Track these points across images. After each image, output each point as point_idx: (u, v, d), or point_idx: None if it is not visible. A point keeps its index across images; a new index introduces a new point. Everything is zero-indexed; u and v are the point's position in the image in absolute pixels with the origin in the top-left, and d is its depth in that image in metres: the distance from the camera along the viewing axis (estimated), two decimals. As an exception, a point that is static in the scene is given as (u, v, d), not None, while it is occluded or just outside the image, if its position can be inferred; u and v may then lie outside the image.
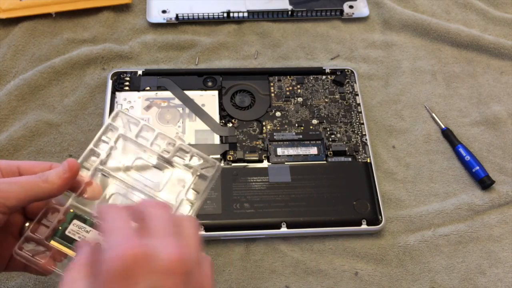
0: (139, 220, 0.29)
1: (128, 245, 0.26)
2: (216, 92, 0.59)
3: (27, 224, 0.36)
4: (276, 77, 0.61)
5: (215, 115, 0.57)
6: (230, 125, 0.57)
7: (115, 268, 0.25)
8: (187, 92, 0.58)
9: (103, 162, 0.38)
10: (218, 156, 0.54)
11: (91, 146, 0.38)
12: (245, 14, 0.67)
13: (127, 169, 0.39)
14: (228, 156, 0.54)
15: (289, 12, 0.67)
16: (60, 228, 0.35)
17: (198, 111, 0.57)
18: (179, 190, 0.38)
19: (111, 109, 0.56)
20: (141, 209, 0.30)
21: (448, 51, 0.67)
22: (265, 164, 0.54)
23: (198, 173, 0.39)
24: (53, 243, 0.35)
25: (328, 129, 0.57)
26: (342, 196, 0.53)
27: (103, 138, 0.39)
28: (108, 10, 0.66)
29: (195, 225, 0.31)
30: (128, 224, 0.29)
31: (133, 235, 0.27)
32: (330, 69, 0.62)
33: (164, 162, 0.39)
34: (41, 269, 0.34)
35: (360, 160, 0.55)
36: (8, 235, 0.36)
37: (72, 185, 0.35)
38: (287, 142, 0.56)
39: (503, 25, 0.69)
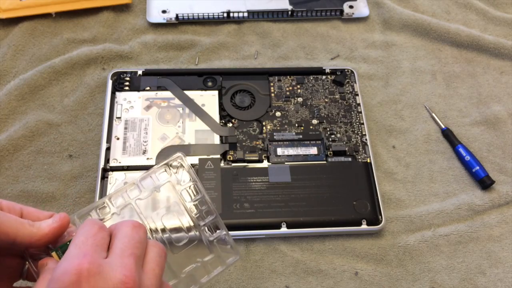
0: (112, 237, 0.30)
1: (80, 260, 0.27)
2: (216, 92, 0.59)
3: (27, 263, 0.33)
4: (276, 77, 0.61)
5: (215, 115, 0.57)
6: (230, 125, 0.57)
7: (62, 279, 0.26)
8: (187, 92, 0.58)
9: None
10: (218, 156, 0.54)
11: (93, 206, 0.35)
12: (245, 14, 0.67)
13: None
14: (228, 156, 0.54)
15: (289, 12, 0.67)
16: (68, 243, 0.32)
17: (198, 111, 0.57)
18: (192, 262, 0.36)
19: (111, 109, 0.56)
20: (116, 227, 0.31)
21: (448, 51, 0.67)
22: (265, 164, 0.54)
23: (218, 255, 0.37)
24: (54, 254, 0.32)
25: (328, 129, 0.57)
26: (342, 196, 0.53)
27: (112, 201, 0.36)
28: (108, 10, 0.66)
29: (162, 252, 0.31)
30: (94, 239, 0.29)
31: (92, 251, 0.28)
32: (330, 69, 0.62)
33: (194, 228, 0.37)
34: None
35: (360, 160, 0.55)
36: (4, 277, 0.33)
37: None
38: (287, 142, 0.56)
39: (503, 25, 0.69)
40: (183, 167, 0.38)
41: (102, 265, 0.27)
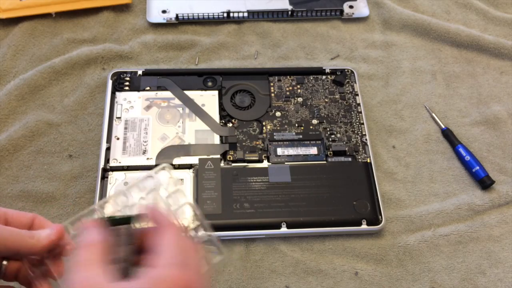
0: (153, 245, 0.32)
1: (184, 273, 0.30)
2: (216, 92, 0.59)
3: (4, 263, 0.35)
4: (276, 77, 0.61)
5: (215, 115, 0.57)
6: (230, 125, 0.57)
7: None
8: (187, 92, 0.58)
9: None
10: (218, 156, 0.54)
11: (83, 213, 0.37)
12: (245, 14, 0.67)
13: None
14: (228, 156, 0.54)
15: (289, 12, 0.67)
16: (123, 217, 0.34)
17: (198, 111, 0.57)
18: None
19: (111, 109, 0.56)
20: (155, 235, 0.32)
21: (448, 51, 0.67)
22: (265, 164, 0.54)
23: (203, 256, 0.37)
24: (102, 220, 0.33)
25: (328, 129, 0.57)
26: (342, 196, 0.53)
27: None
28: (108, 10, 0.66)
29: (199, 251, 0.34)
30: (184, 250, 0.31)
31: (192, 262, 0.31)
32: (330, 69, 0.62)
33: None
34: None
35: (360, 160, 0.55)
36: None
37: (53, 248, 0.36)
38: (287, 142, 0.56)
39: (503, 25, 0.69)
40: (169, 175, 0.38)
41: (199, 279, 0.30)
